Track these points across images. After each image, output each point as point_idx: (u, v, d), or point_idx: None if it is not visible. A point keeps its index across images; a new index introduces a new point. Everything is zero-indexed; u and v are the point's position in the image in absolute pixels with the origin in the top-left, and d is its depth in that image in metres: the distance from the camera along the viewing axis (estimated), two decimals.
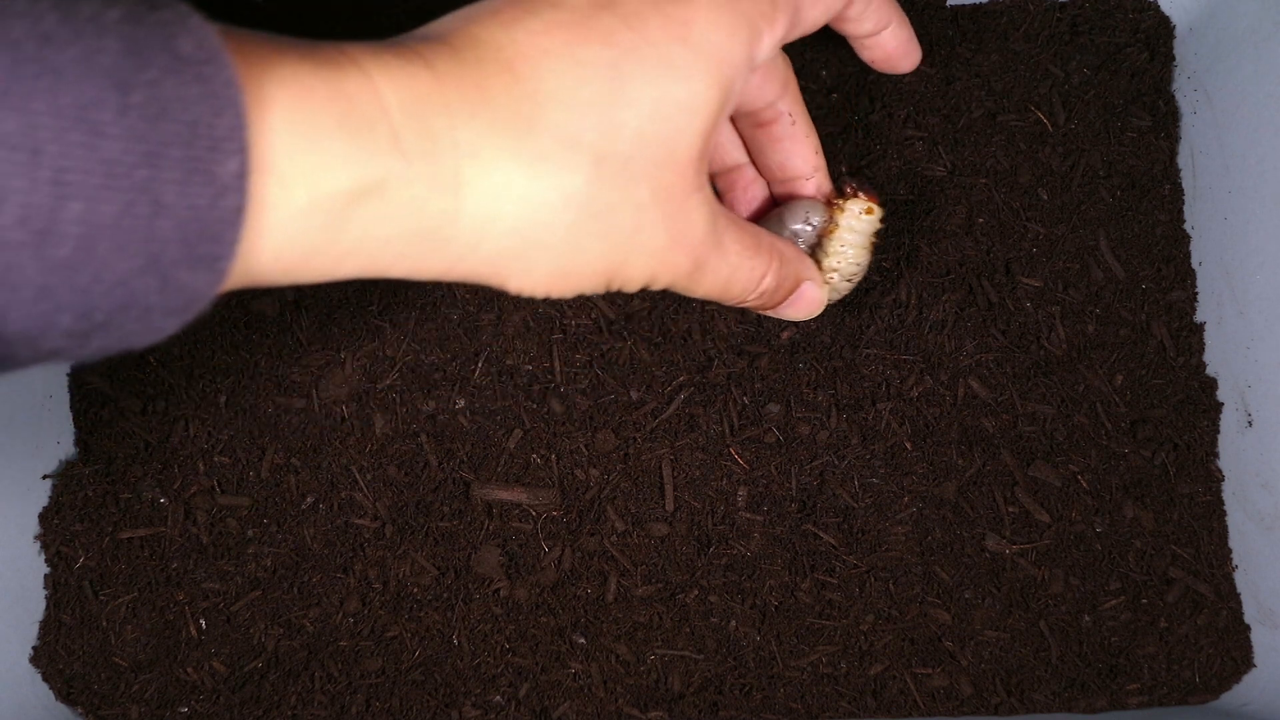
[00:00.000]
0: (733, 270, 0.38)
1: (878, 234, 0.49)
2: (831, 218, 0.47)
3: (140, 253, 0.24)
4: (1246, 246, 0.58)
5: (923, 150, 0.60)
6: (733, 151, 0.47)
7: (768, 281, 0.40)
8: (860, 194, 0.47)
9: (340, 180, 0.28)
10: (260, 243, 0.27)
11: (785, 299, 0.42)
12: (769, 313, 0.43)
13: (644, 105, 0.33)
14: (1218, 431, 0.59)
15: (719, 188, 0.47)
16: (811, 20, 0.39)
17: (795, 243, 0.47)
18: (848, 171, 0.59)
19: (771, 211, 0.52)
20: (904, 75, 0.61)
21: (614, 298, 0.58)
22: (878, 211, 0.48)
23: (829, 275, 0.48)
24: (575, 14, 0.33)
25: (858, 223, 0.48)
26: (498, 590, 0.55)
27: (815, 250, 0.50)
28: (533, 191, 0.31)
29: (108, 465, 0.56)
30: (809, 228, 0.49)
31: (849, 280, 0.50)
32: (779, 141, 0.46)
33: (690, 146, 0.34)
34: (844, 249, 0.48)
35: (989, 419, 0.58)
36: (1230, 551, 0.58)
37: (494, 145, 0.30)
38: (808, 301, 0.44)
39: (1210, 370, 0.60)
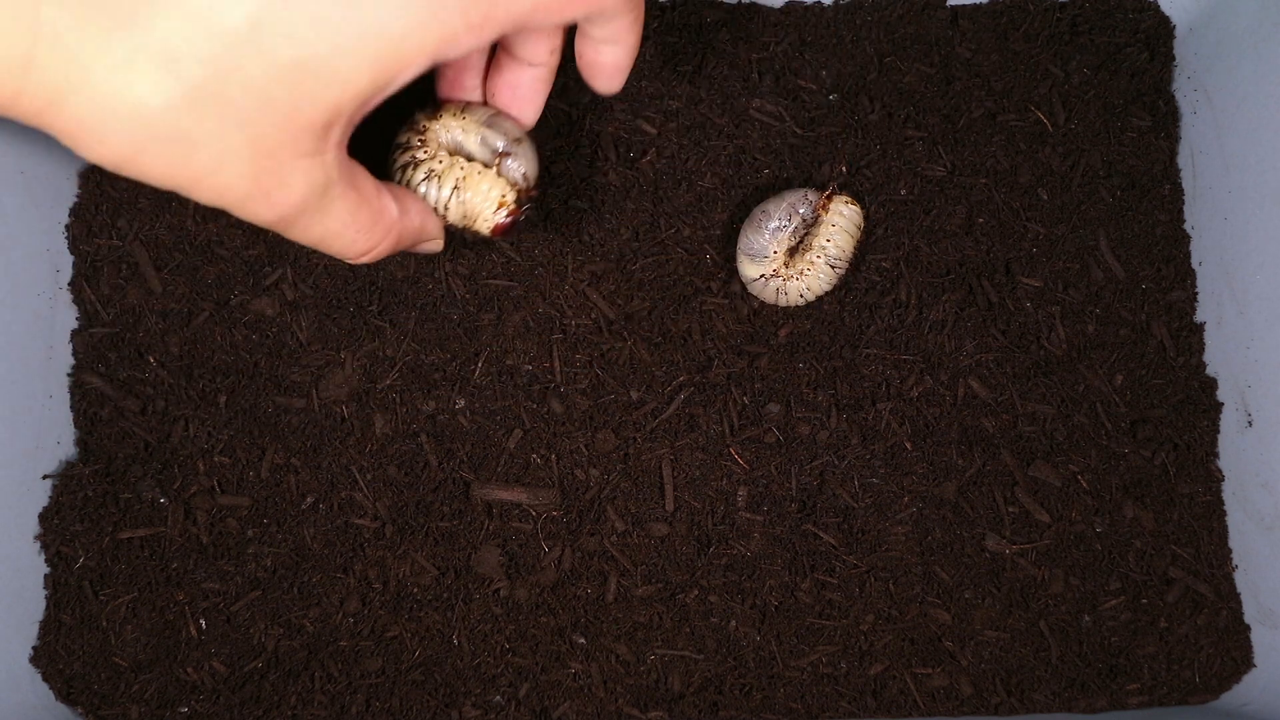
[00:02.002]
0: (328, 235, 0.38)
1: (860, 227, 0.56)
2: (821, 208, 0.54)
3: None
4: (1246, 246, 0.58)
5: (923, 150, 0.60)
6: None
7: (373, 254, 0.41)
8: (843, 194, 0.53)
9: None
10: None
11: (399, 250, 0.44)
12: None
13: (277, 59, 0.31)
14: (1218, 431, 0.59)
15: None
16: (538, 24, 0.37)
17: (784, 234, 0.54)
18: (848, 171, 0.59)
19: (758, 205, 0.56)
20: (903, 75, 0.61)
21: (614, 298, 0.58)
22: (858, 205, 0.54)
23: (817, 256, 0.55)
24: None
25: (846, 209, 0.55)
26: (498, 590, 0.55)
27: (805, 238, 0.55)
28: (110, 93, 0.30)
29: (108, 465, 0.56)
30: (797, 216, 0.55)
31: (834, 266, 0.55)
32: (512, 85, 0.46)
33: (314, 117, 0.33)
34: (833, 232, 0.55)
35: (989, 419, 0.58)
36: (1230, 551, 0.58)
37: (79, 35, 0.29)
38: (427, 251, 0.47)
39: (1210, 370, 0.60)
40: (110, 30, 0.29)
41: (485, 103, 0.50)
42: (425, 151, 0.48)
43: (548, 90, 0.47)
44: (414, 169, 0.48)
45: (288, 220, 0.37)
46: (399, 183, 0.49)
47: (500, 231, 0.49)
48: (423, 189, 0.48)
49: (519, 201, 0.49)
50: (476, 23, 0.34)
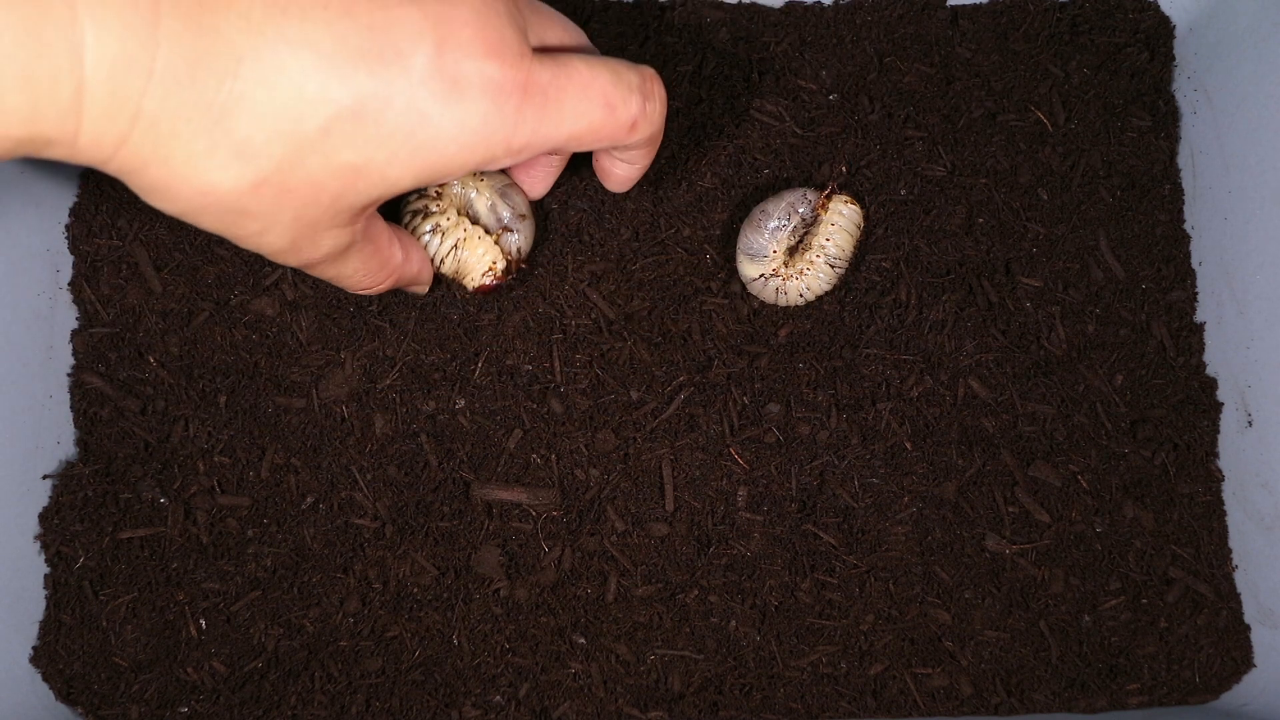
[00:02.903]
0: (340, 276, 0.44)
1: (860, 226, 0.56)
2: (820, 207, 0.56)
3: None
4: (1246, 246, 0.58)
5: (923, 150, 0.60)
6: None
7: (373, 290, 0.48)
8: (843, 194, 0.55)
9: (11, 130, 0.31)
10: None
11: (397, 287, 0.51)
12: None
13: (338, 161, 0.35)
14: (1218, 431, 0.59)
15: None
16: (569, 150, 0.43)
17: (783, 234, 0.55)
18: (848, 171, 0.59)
19: (758, 205, 0.56)
20: (903, 75, 0.61)
21: (614, 298, 0.58)
22: (858, 205, 0.56)
23: (816, 255, 0.56)
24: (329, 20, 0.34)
25: (846, 209, 0.56)
26: (498, 590, 0.55)
27: (804, 237, 0.56)
28: (183, 171, 0.34)
29: (108, 465, 0.56)
30: (796, 215, 0.55)
31: (833, 266, 0.56)
32: (528, 166, 0.53)
33: (356, 204, 0.38)
34: (833, 231, 0.55)
35: (989, 419, 0.58)
36: (1230, 551, 0.58)
37: (171, 125, 0.32)
38: (421, 290, 0.54)
39: (1210, 370, 0.60)
40: (201, 126, 0.33)
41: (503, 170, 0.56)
42: (438, 205, 0.55)
43: (559, 173, 0.53)
44: (423, 218, 0.53)
45: (309, 267, 0.42)
46: (406, 225, 0.54)
47: (482, 291, 0.54)
48: (425, 238, 0.54)
49: (507, 270, 0.54)
50: (517, 149, 0.38)
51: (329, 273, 0.43)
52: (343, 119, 0.34)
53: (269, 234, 0.37)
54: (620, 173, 0.49)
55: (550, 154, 0.51)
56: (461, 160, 0.37)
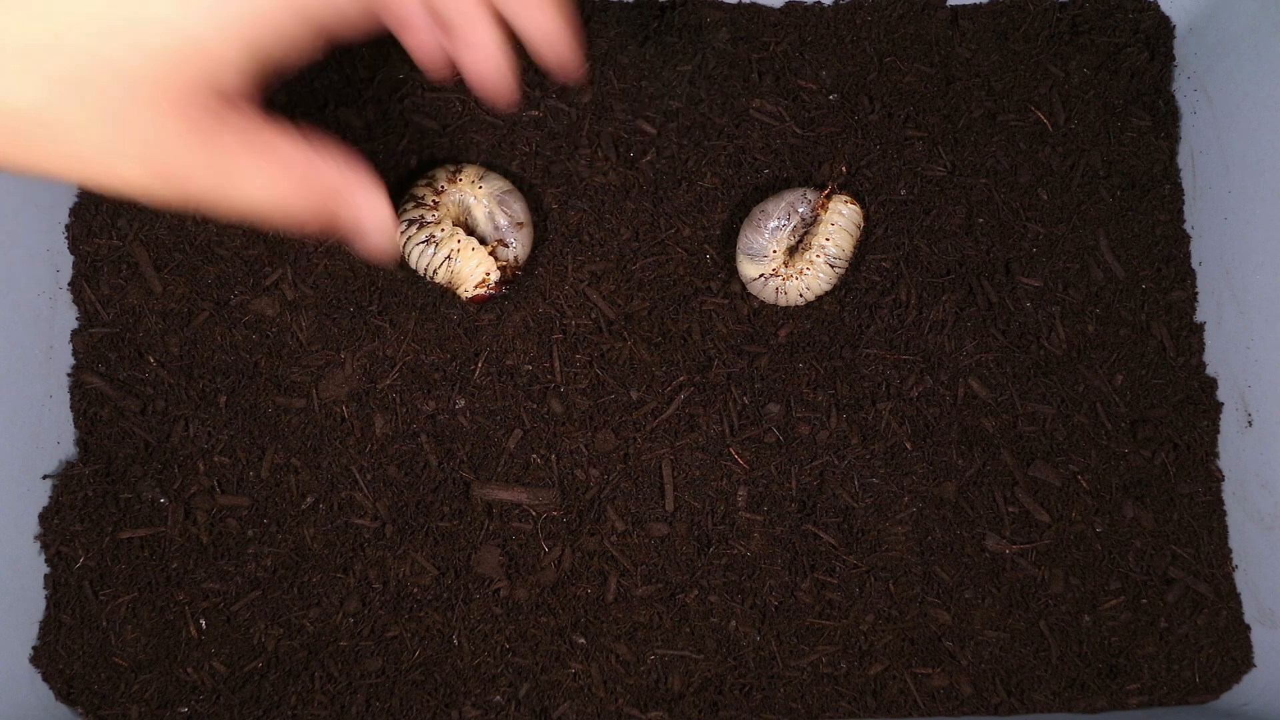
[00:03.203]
0: (245, 197, 0.36)
1: (860, 226, 0.56)
2: (820, 207, 0.56)
3: None
4: (1246, 246, 0.58)
5: (923, 150, 0.60)
6: None
7: (304, 210, 0.38)
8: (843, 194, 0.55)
9: None
10: None
11: (339, 219, 0.40)
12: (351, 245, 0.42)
13: (150, 45, 0.31)
14: (1218, 431, 0.59)
15: None
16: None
17: (783, 233, 0.56)
18: (848, 171, 0.59)
19: (757, 205, 0.57)
20: (903, 75, 0.61)
21: (614, 298, 0.58)
22: (857, 205, 0.56)
23: (816, 255, 0.55)
24: None
25: (845, 208, 0.56)
26: (498, 590, 0.55)
27: (804, 237, 0.56)
28: None
29: (108, 465, 0.56)
30: (796, 215, 0.56)
31: (833, 265, 0.56)
32: (470, 64, 0.42)
33: (193, 95, 0.33)
34: (833, 231, 0.55)
35: (989, 419, 0.58)
36: (1230, 551, 0.58)
37: None
38: (369, 224, 0.41)
39: (1210, 370, 0.60)
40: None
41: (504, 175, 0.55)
42: (433, 215, 0.55)
43: (507, 60, 0.42)
44: (418, 228, 0.54)
45: (204, 197, 0.35)
46: (400, 234, 0.53)
47: (476, 301, 0.54)
48: (419, 249, 0.54)
49: (502, 280, 0.54)
50: None
51: (228, 195, 0.36)
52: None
53: (110, 157, 0.32)
54: (534, 25, 0.40)
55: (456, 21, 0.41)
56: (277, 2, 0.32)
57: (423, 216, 0.55)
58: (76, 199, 0.58)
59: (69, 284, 0.57)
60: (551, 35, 0.40)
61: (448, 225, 0.54)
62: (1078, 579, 0.57)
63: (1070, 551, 0.57)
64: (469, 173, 0.56)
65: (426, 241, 0.54)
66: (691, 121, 0.60)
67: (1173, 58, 0.63)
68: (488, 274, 0.54)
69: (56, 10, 0.30)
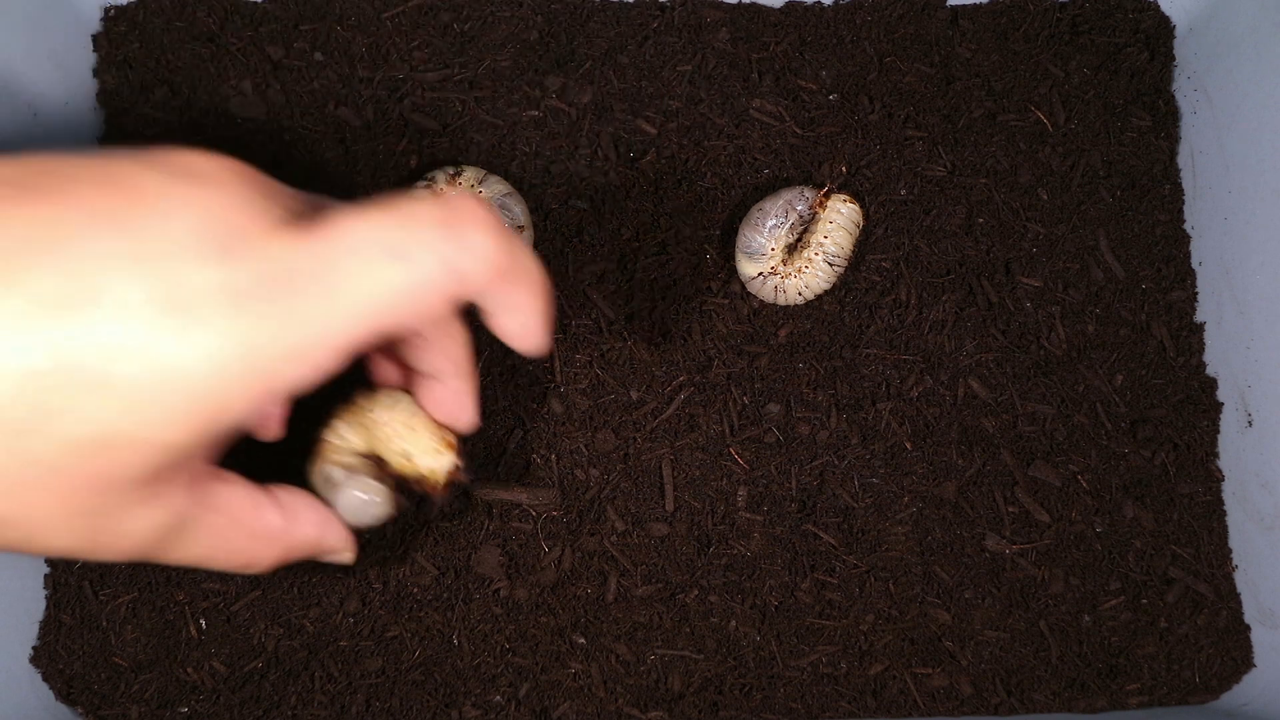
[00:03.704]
0: (201, 559, 0.36)
1: (859, 225, 0.56)
2: (819, 205, 0.55)
3: None
4: (1246, 246, 0.58)
5: (923, 150, 0.60)
6: None
7: (256, 568, 0.39)
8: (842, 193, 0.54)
9: None
10: None
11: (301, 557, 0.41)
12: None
13: (68, 437, 0.27)
14: (1218, 431, 0.59)
15: None
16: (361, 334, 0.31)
17: (781, 232, 0.55)
18: (848, 171, 0.59)
19: (756, 204, 0.56)
20: (903, 75, 0.61)
21: (614, 298, 0.58)
22: (856, 203, 0.56)
23: (815, 253, 0.55)
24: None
25: (844, 207, 0.55)
26: (498, 590, 0.55)
27: (803, 235, 0.56)
28: None
29: None
30: (794, 213, 0.55)
31: (832, 264, 0.56)
32: (434, 400, 0.43)
33: (130, 479, 0.29)
34: (831, 230, 0.55)
35: (989, 419, 0.58)
36: (1230, 551, 0.58)
37: None
38: (335, 560, 0.43)
39: (1210, 370, 0.60)
40: None
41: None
42: (339, 455, 0.45)
43: (472, 393, 0.42)
44: (324, 467, 0.45)
45: (146, 556, 0.33)
46: (315, 474, 0.45)
47: (436, 490, 0.45)
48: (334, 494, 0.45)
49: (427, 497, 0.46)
50: (307, 353, 0.29)
51: (183, 557, 0.34)
52: (48, 387, 0.26)
53: (46, 537, 0.29)
54: (511, 328, 0.36)
55: (431, 375, 0.40)
56: (239, 397, 0.28)
57: (329, 457, 0.48)
58: None
59: None
60: (531, 337, 0.37)
61: (354, 459, 0.48)
62: (1078, 579, 0.57)
63: (1070, 551, 0.57)
64: (469, 175, 0.56)
65: (324, 484, 0.48)
66: (691, 121, 0.60)
67: (1173, 58, 0.63)
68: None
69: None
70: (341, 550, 0.43)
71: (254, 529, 0.37)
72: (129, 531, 0.31)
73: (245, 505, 0.36)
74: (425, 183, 0.56)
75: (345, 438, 0.45)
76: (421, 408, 0.45)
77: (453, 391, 0.42)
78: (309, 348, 0.29)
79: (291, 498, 0.40)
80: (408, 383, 0.43)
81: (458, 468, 0.45)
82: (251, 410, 0.29)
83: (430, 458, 0.45)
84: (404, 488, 0.45)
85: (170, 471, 0.30)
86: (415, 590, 0.55)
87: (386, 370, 0.44)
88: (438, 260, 0.30)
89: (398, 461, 0.45)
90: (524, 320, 0.35)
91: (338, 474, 0.44)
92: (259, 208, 0.29)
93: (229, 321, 0.28)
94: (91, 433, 0.27)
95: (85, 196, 0.28)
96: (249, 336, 0.28)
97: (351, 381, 0.44)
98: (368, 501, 0.44)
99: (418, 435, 0.45)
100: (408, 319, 0.31)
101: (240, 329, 0.28)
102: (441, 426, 0.45)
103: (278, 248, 0.29)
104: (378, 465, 0.45)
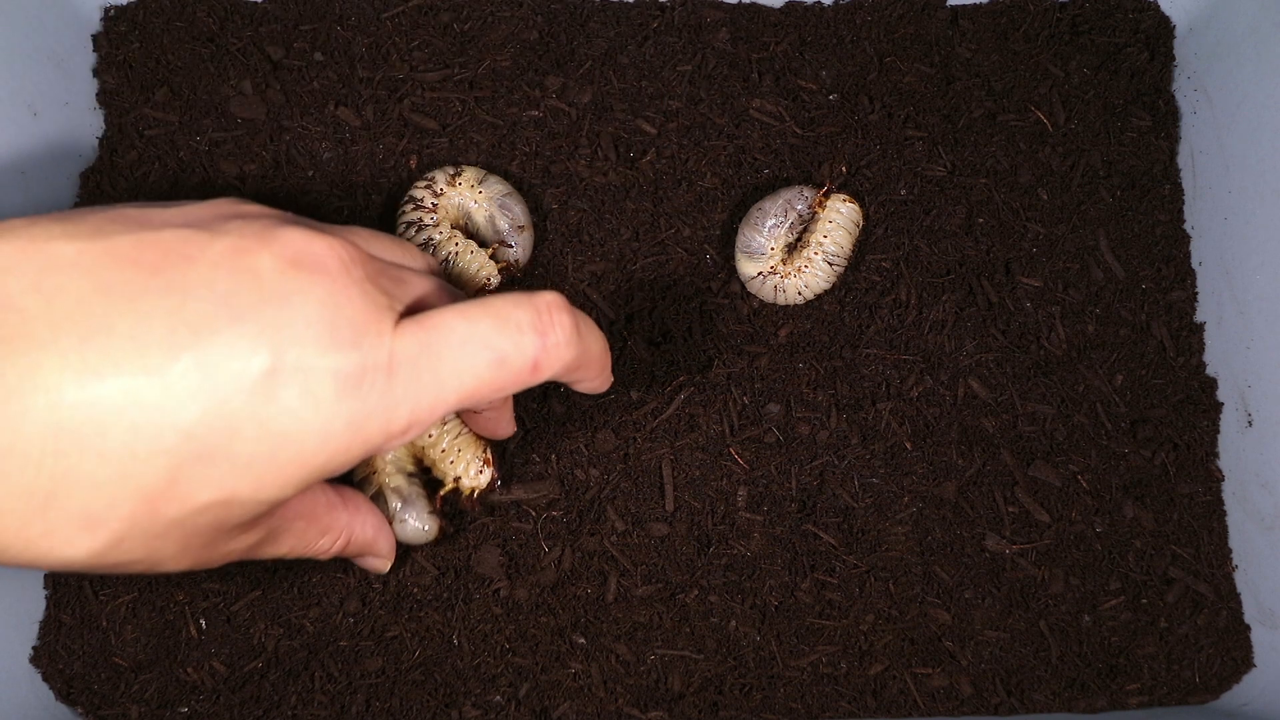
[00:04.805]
0: (286, 554, 0.41)
1: (859, 224, 0.56)
2: (818, 205, 0.55)
3: None
4: (1246, 246, 0.58)
5: (923, 150, 0.60)
6: None
7: (330, 553, 0.44)
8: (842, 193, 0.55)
9: None
10: None
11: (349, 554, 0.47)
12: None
13: (197, 500, 0.32)
14: (1218, 431, 0.59)
15: None
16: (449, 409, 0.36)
17: (781, 231, 0.55)
18: (847, 171, 0.59)
19: (755, 203, 0.57)
20: (903, 75, 0.61)
21: (614, 298, 0.58)
22: (856, 203, 0.56)
23: (815, 252, 0.56)
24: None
25: (844, 206, 0.56)
26: (498, 590, 0.55)
27: (803, 235, 0.57)
28: (33, 554, 0.31)
29: None
30: (794, 213, 0.56)
31: (831, 263, 0.56)
32: (476, 421, 0.50)
33: (241, 522, 0.34)
34: (831, 229, 0.55)
35: (989, 419, 0.58)
36: (1230, 551, 0.58)
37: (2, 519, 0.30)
38: (375, 564, 0.50)
39: (1210, 370, 0.60)
40: (28, 512, 0.30)
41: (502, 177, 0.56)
42: (432, 218, 0.54)
43: (510, 411, 0.49)
44: (417, 230, 0.53)
45: (238, 559, 0.38)
46: (400, 235, 0.54)
47: (472, 503, 0.54)
48: None
49: (502, 285, 0.54)
50: (401, 430, 0.34)
51: (262, 557, 0.40)
52: (186, 462, 0.31)
53: (163, 565, 0.34)
54: (579, 389, 0.43)
55: (471, 410, 0.46)
56: (340, 461, 0.34)
57: (421, 219, 0.55)
58: (76, 199, 0.58)
59: None
60: (594, 392, 0.44)
61: (446, 228, 0.54)
62: (1078, 579, 0.57)
63: (1070, 551, 0.57)
64: (468, 176, 0.56)
65: (425, 244, 0.54)
66: (691, 121, 0.60)
67: (1173, 58, 0.63)
68: (489, 279, 0.54)
69: (114, 483, 0.31)
70: (386, 558, 0.49)
71: (326, 526, 0.42)
72: (229, 552, 0.36)
73: (321, 507, 0.42)
74: (425, 183, 0.56)
75: (394, 452, 0.52)
76: (464, 423, 0.52)
77: (497, 412, 0.48)
78: (406, 424, 0.34)
79: (356, 500, 0.45)
80: None
81: (495, 481, 0.53)
82: (344, 470, 0.34)
83: (473, 478, 0.52)
84: (446, 500, 0.53)
85: (267, 513, 0.35)
86: (415, 590, 0.55)
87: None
88: (524, 361, 0.36)
89: (448, 481, 0.52)
90: (589, 388, 0.43)
91: (394, 501, 0.51)
92: (367, 297, 0.34)
93: (340, 403, 0.32)
94: (216, 498, 0.32)
95: (210, 282, 0.31)
96: (356, 416, 0.33)
97: None
98: (424, 531, 0.52)
99: (464, 454, 0.52)
100: (486, 401, 0.37)
101: (348, 409, 0.32)
102: (481, 441, 0.53)
103: (388, 341, 0.33)
104: (423, 484, 0.53)
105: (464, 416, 0.50)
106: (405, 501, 0.52)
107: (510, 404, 0.48)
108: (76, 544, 0.31)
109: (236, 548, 0.37)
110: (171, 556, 0.34)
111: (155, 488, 0.31)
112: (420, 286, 0.38)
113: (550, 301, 0.37)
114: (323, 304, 0.32)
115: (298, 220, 0.35)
